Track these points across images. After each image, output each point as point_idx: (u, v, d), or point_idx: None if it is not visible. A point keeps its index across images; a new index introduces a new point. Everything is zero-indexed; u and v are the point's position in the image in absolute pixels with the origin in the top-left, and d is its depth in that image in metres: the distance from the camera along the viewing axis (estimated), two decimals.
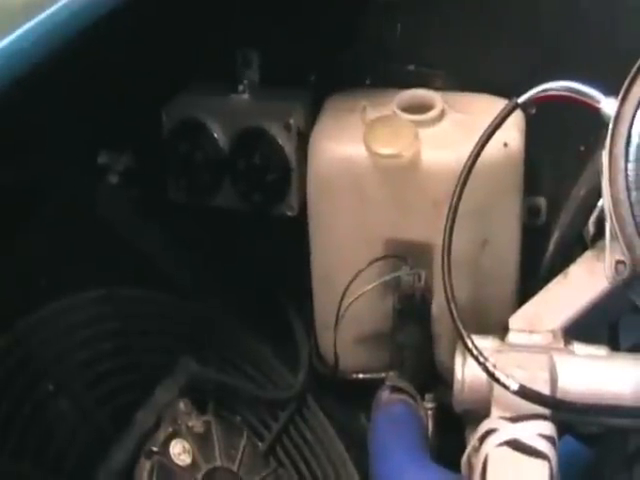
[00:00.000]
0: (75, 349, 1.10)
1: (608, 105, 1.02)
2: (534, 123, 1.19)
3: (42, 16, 0.90)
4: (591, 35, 1.17)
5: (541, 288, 1.12)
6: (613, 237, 0.98)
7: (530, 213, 1.26)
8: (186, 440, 1.10)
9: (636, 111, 0.98)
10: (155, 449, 1.08)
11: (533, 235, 1.25)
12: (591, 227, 1.12)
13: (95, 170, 1.23)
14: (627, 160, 0.98)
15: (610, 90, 1.01)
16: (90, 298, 1.15)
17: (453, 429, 1.11)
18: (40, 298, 1.11)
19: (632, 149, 0.98)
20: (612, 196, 0.98)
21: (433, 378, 1.26)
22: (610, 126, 0.99)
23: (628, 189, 0.97)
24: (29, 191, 1.11)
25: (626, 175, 0.97)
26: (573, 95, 1.05)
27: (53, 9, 0.91)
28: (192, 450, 1.10)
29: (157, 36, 1.20)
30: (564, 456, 1.08)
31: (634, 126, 0.98)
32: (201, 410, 1.16)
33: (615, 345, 1.17)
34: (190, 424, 1.11)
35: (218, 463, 1.13)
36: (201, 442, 1.12)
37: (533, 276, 1.23)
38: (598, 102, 1.03)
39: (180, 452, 1.09)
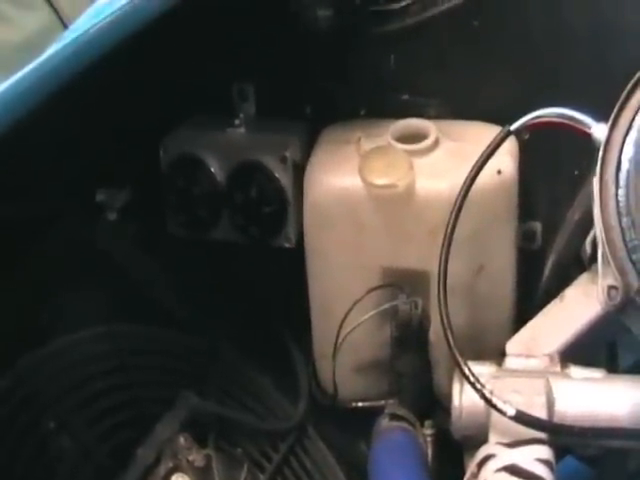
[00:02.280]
0: (76, 387, 1.10)
1: (599, 131, 1.03)
2: (528, 148, 1.20)
3: (38, 61, 0.91)
4: (583, 62, 1.18)
5: (537, 312, 1.13)
6: (605, 262, 0.99)
7: (525, 237, 1.26)
8: (187, 474, 1.10)
9: (626, 137, 0.99)
10: None
11: (529, 259, 1.25)
12: (588, 247, 1.12)
13: (94, 207, 1.24)
14: (618, 186, 0.99)
15: (602, 116, 1.02)
16: (90, 336, 1.16)
17: (452, 455, 1.11)
18: (41, 335, 1.11)
19: (622, 175, 0.98)
20: (603, 222, 0.98)
21: (432, 404, 1.26)
22: (600, 152, 1.00)
23: (619, 214, 0.98)
24: (29, 229, 1.12)
25: (617, 201, 0.98)
26: (565, 121, 1.06)
27: (51, 51, 0.92)
28: None
29: (154, 71, 1.22)
30: (565, 477, 1.09)
31: (624, 152, 0.99)
32: (202, 443, 1.16)
33: (614, 364, 1.18)
34: (191, 458, 1.12)
35: None
36: (202, 476, 1.12)
37: (529, 300, 1.24)
38: (589, 128, 1.04)
39: None
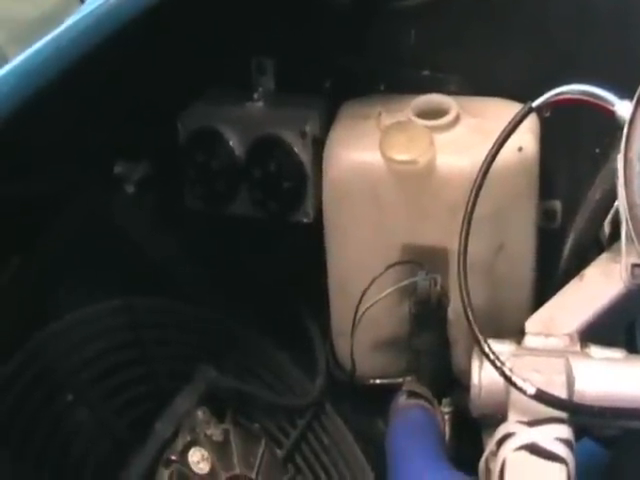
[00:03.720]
0: (93, 360, 1.10)
1: (623, 108, 1.02)
2: (549, 126, 1.19)
3: (58, 30, 0.90)
4: (605, 38, 1.17)
5: (557, 291, 1.12)
6: (629, 240, 0.99)
7: (546, 216, 1.26)
8: (204, 448, 1.10)
9: None
10: (174, 458, 1.08)
11: (549, 238, 1.25)
12: (607, 228, 1.12)
13: (112, 180, 1.23)
14: None
15: (625, 93, 1.01)
16: (107, 309, 1.15)
17: (470, 433, 1.11)
18: (58, 309, 1.11)
19: None
20: (627, 199, 0.98)
21: (450, 382, 1.27)
22: (625, 130, 0.99)
23: None
24: (46, 202, 1.12)
25: None
26: (587, 98, 1.05)
27: (68, 23, 0.92)
28: (211, 458, 1.10)
29: (172, 45, 1.21)
30: (582, 458, 1.08)
31: None
32: (219, 418, 1.16)
33: (632, 346, 1.17)
34: (208, 432, 1.12)
35: (237, 471, 1.13)
36: (219, 450, 1.12)
37: (549, 279, 1.23)
38: (612, 105, 1.03)
39: (199, 460, 1.09)
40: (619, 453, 1.23)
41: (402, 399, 1.22)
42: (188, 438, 1.10)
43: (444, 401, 1.24)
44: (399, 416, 1.20)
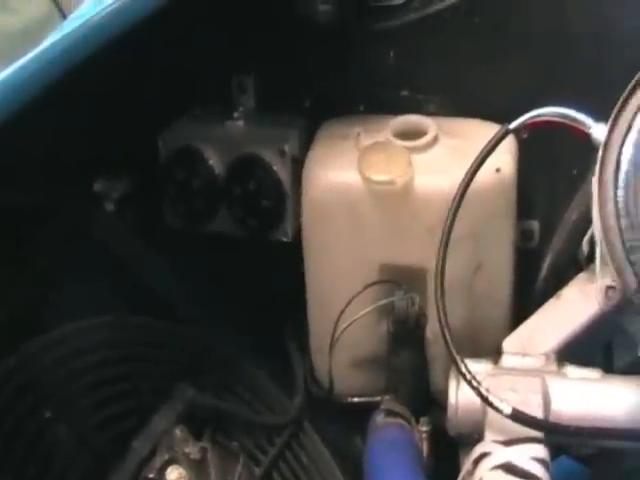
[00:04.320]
0: (75, 375, 1.10)
1: (598, 131, 1.03)
2: (527, 147, 1.21)
3: (42, 47, 0.91)
4: (583, 62, 1.19)
5: (535, 310, 1.13)
6: (603, 262, 1.00)
7: (523, 236, 1.27)
8: (182, 466, 1.10)
9: (625, 138, 0.99)
10: (152, 476, 1.09)
11: (526, 258, 1.26)
12: (585, 247, 1.13)
13: (92, 197, 1.23)
14: (616, 187, 0.99)
15: (602, 117, 1.02)
16: (91, 325, 1.15)
17: (448, 452, 1.11)
18: (41, 325, 1.11)
19: (621, 176, 0.99)
20: (602, 222, 0.99)
21: (428, 401, 1.27)
22: (600, 153, 1.00)
23: (617, 215, 0.98)
24: (28, 218, 1.12)
25: (616, 202, 0.98)
26: (564, 121, 1.07)
27: (52, 40, 0.92)
28: (188, 476, 1.10)
29: (154, 63, 1.22)
30: (561, 476, 1.09)
31: (623, 153, 0.99)
32: (198, 436, 1.16)
33: (610, 364, 1.18)
34: (186, 450, 1.12)
35: None
36: (197, 468, 1.12)
37: (527, 299, 1.24)
38: (588, 128, 1.05)
39: (176, 479, 1.09)
40: (597, 470, 1.24)
41: (380, 418, 1.21)
42: (166, 456, 1.10)
43: (422, 420, 1.23)
44: (377, 434, 1.20)
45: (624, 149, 0.99)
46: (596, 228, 0.99)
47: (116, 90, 1.16)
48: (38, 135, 1.03)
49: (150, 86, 1.23)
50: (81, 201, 1.23)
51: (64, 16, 1.07)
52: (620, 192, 0.99)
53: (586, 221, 1.12)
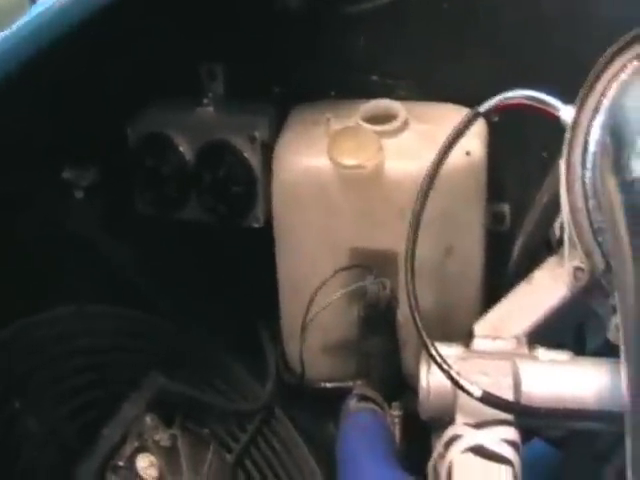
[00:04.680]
0: (44, 365, 1.09)
1: (566, 113, 1.03)
2: (498, 130, 1.21)
3: (7, 32, 0.90)
4: (554, 46, 1.19)
5: (506, 293, 1.13)
6: (571, 244, 1.00)
7: (494, 219, 1.27)
8: (152, 454, 1.10)
9: (593, 119, 1.00)
10: (121, 464, 1.08)
11: (498, 241, 1.26)
12: (557, 230, 1.13)
13: (61, 185, 1.23)
14: (584, 168, 0.99)
15: (572, 99, 1.02)
16: (60, 315, 1.15)
17: (420, 436, 1.11)
18: (10, 314, 1.11)
19: (589, 157, 0.99)
20: (570, 204, 0.99)
21: (400, 386, 1.27)
22: (567, 134, 1.01)
23: (585, 197, 0.99)
24: None
25: (583, 183, 0.99)
26: (533, 103, 1.07)
27: (17, 24, 0.91)
28: (159, 464, 1.10)
29: (123, 50, 1.21)
30: (532, 458, 1.09)
31: (591, 134, 0.99)
32: (168, 424, 1.16)
33: (582, 346, 1.19)
34: (156, 438, 1.11)
35: (185, 476, 1.13)
36: (168, 456, 1.12)
37: (498, 281, 1.24)
38: (557, 110, 1.05)
39: (146, 466, 1.09)
40: (569, 452, 1.25)
41: (352, 403, 1.21)
42: (136, 444, 1.10)
43: (394, 404, 1.23)
44: (349, 420, 1.20)
45: (591, 130, 0.99)
46: (564, 210, 1.00)
47: (84, 76, 1.16)
48: (3, 122, 1.02)
49: (119, 73, 1.23)
50: (51, 189, 1.22)
51: (33, 0, 1.06)
52: (588, 173, 0.99)
53: (557, 204, 1.12)
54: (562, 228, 1.09)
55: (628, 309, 0.80)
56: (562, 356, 1.06)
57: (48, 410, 1.07)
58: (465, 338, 1.09)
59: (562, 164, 1.00)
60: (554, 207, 1.14)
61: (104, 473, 1.07)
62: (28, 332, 1.11)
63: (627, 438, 0.77)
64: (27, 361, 1.09)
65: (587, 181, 0.98)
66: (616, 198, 0.85)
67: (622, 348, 0.79)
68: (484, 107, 1.09)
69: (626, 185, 0.83)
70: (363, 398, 1.22)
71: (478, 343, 1.08)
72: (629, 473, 0.70)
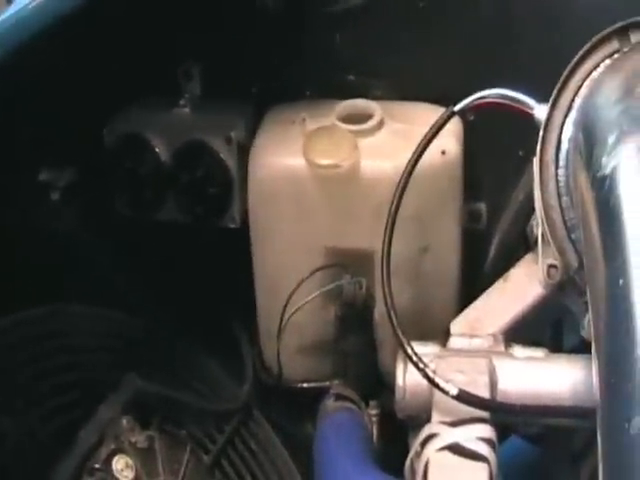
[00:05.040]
0: (20, 366, 1.09)
1: (541, 112, 1.04)
2: (473, 129, 1.21)
3: None
4: (528, 44, 1.19)
5: (483, 292, 1.13)
6: (545, 242, 1.01)
7: (471, 218, 1.27)
8: (129, 456, 1.10)
9: (565, 117, 1.01)
10: (98, 466, 1.08)
11: (474, 240, 1.26)
12: (534, 228, 1.13)
13: (37, 186, 1.22)
14: (557, 166, 1.00)
15: (546, 98, 1.03)
16: (34, 315, 1.14)
17: (398, 435, 1.12)
18: None
19: (562, 155, 1.00)
20: (543, 201, 1.00)
21: (377, 385, 1.27)
22: (540, 132, 1.01)
23: (559, 194, 1.00)
24: None
25: (557, 181, 1.00)
26: (507, 102, 1.07)
27: None
28: (135, 466, 1.10)
29: (98, 50, 1.20)
30: (510, 456, 1.10)
31: (564, 132, 1.00)
32: (145, 425, 1.16)
33: (559, 343, 1.19)
34: (133, 440, 1.11)
35: (162, 478, 1.13)
36: (144, 457, 1.12)
37: (475, 280, 1.24)
38: (532, 109, 1.05)
39: (123, 468, 1.09)
40: (546, 449, 1.25)
41: (329, 402, 1.22)
42: (112, 446, 1.09)
43: (371, 403, 1.24)
44: (326, 419, 1.20)
45: (564, 128, 1.00)
46: (537, 207, 1.01)
47: (59, 77, 1.15)
48: None
49: (94, 73, 1.22)
50: (27, 190, 1.22)
51: (9, 0, 1.06)
52: (561, 171, 1.00)
53: (533, 202, 1.13)
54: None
55: (599, 306, 0.80)
56: (538, 353, 1.06)
57: (23, 411, 1.07)
58: (442, 336, 1.09)
59: (535, 162, 1.01)
60: (530, 205, 1.15)
61: (81, 475, 1.07)
62: (3, 332, 1.10)
63: (598, 432, 0.77)
64: (1, 361, 1.09)
65: (560, 179, 0.99)
66: (588, 195, 0.85)
67: (593, 344, 0.79)
68: (459, 106, 1.09)
69: (597, 181, 0.83)
70: (340, 397, 1.22)
71: (454, 341, 1.08)
72: (600, 469, 0.70)
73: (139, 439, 1.11)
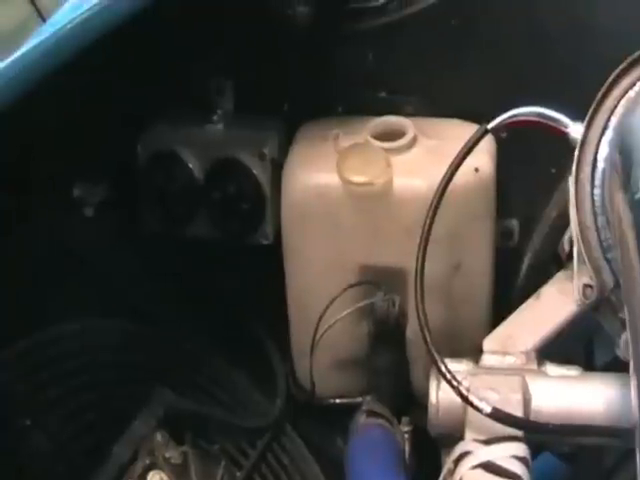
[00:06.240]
0: (50, 383, 1.10)
1: (575, 130, 1.04)
2: (506, 146, 1.21)
3: (21, 51, 0.91)
4: (561, 61, 1.19)
5: (515, 310, 1.13)
6: (580, 261, 1.00)
7: (503, 235, 1.27)
8: (163, 471, 1.10)
9: (601, 137, 1.00)
10: None
11: (506, 257, 1.26)
12: (566, 245, 1.13)
13: (70, 203, 1.23)
14: (593, 185, 1.00)
15: (579, 116, 1.03)
16: (65, 332, 1.15)
17: (429, 452, 1.11)
18: (14, 332, 1.11)
19: (598, 174, 0.99)
20: (579, 221, 0.99)
21: (409, 401, 1.27)
22: (576, 152, 1.01)
23: (594, 214, 0.99)
24: (6, 223, 1.11)
25: (592, 200, 0.99)
26: (542, 120, 1.07)
27: (26, 47, 0.92)
28: None
29: (132, 67, 1.21)
30: (542, 473, 1.09)
31: (599, 151, 1.00)
32: (178, 441, 1.16)
33: (591, 361, 1.19)
34: (167, 455, 1.11)
35: None
36: (179, 473, 1.12)
37: (507, 298, 1.24)
38: (566, 127, 1.05)
39: None
40: (578, 467, 1.25)
41: (361, 418, 1.21)
42: (147, 461, 1.10)
43: (403, 420, 1.23)
44: (358, 435, 1.20)
45: (600, 148, 1.00)
46: (573, 227, 1.00)
47: (93, 95, 1.16)
48: (15, 140, 1.02)
49: (127, 90, 1.23)
50: (59, 207, 1.23)
51: (43, 20, 1.06)
52: (597, 191, 0.99)
53: (565, 219, 1.12)
54: (571, 243, 1.10)
55: (638, 325, 0.80)
56: (571, 372, 1.06)
57: (56, 428, 1.07)
58: (474, 354, 1.09)
59: (571, 181, 1.00)
60: (563, 223, 1.15)
61: None
62: (32, 351, 1.11)
63: (638, 453, 0.77)
64: (32, 380, 1.09)
65: (596, 198, 0.99)
66: (625, 215, 0.85)
67: (632, 364, 0.79)
68: (493, 124, 1.09)
69: (635, 203, 0.83)
70: (372, 414, 1.22)
71: (487, 359, 1.08)
72: None
73: (173, 455, 1.11)
